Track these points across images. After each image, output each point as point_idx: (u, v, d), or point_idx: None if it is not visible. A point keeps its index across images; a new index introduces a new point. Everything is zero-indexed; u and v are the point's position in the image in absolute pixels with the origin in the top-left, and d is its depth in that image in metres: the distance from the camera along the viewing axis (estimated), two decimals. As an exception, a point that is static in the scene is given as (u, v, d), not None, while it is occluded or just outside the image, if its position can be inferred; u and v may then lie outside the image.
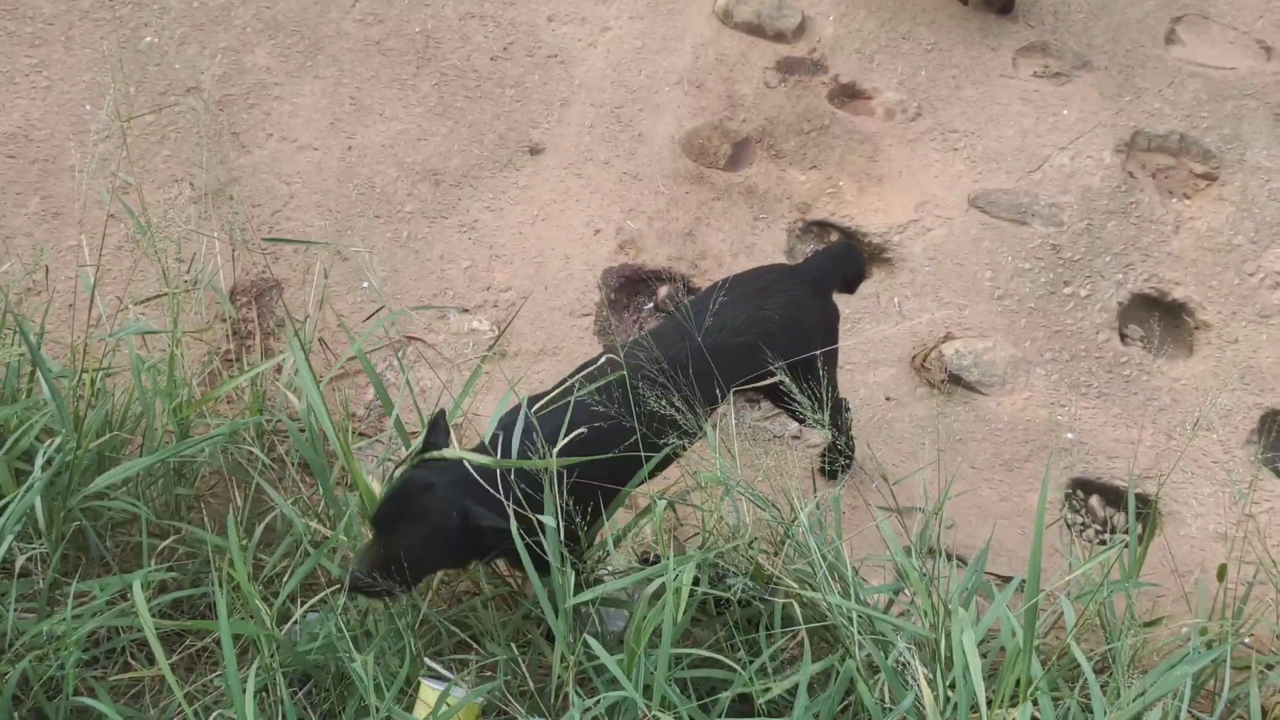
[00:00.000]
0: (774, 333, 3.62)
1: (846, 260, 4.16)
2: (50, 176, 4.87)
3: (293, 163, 5.03)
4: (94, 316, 4.13)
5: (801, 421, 3.52)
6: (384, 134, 5.12)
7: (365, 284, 4.64)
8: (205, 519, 3.74)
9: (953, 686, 2.91)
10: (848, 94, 5.38)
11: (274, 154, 5.05)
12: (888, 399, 4.49)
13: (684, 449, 3.46)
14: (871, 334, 4.66)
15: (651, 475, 3.43)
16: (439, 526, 3.15)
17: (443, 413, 3.38)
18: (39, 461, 3.40)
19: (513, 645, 3.36)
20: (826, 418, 3.40)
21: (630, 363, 3.44)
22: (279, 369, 4.14)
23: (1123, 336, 4.74)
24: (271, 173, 4.99)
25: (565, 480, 3.22)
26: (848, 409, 4.19)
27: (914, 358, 4.62)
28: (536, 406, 3.41)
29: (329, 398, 4.32)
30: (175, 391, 3.86)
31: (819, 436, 4.34)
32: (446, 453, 3.28)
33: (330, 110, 5.19)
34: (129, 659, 3.51)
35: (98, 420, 3.73)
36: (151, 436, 3.79)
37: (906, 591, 3.27)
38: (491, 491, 3.19)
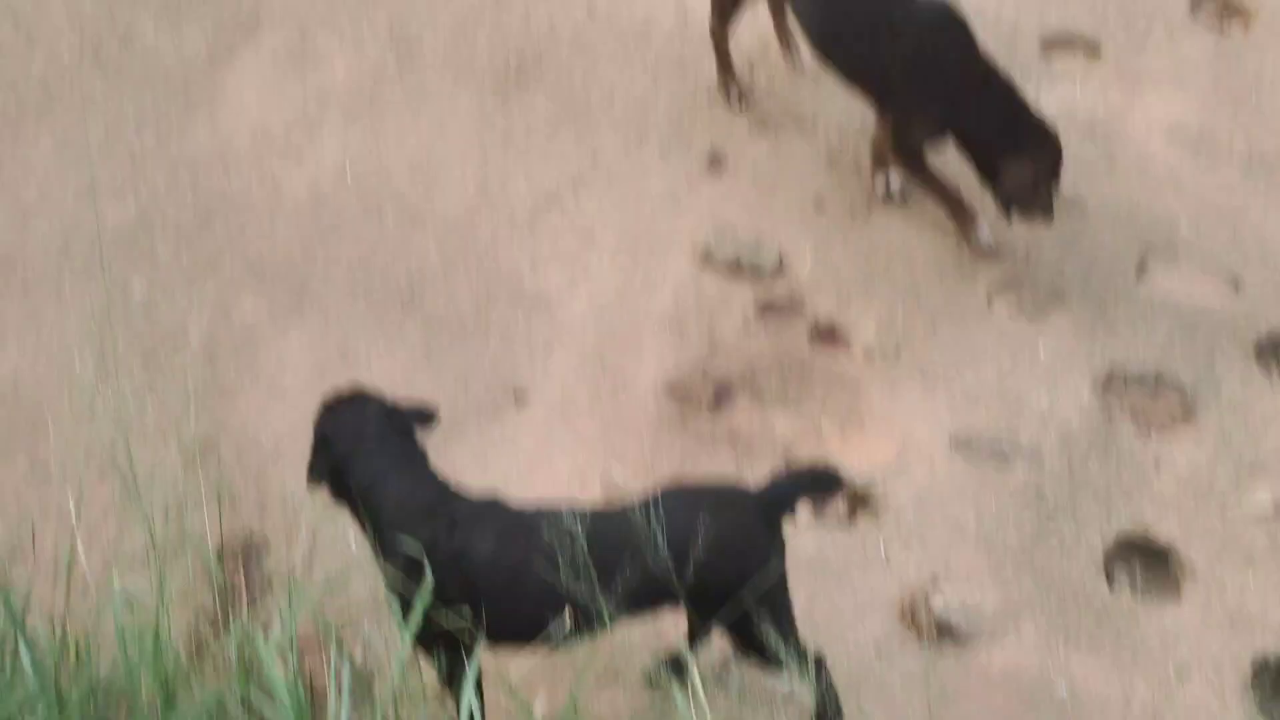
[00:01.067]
0: (708, 549, 3.66)
1: (816, 485, 4.22)
2: (39, 433, 4.90)
3: (280, 413, 5.07)
4: (79, 576, 4.14)
5: (765, 665, 3.53)
6: (371, 383, 5.15)
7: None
8: (194, 794, 3.70)
9: None
10: (827, 335, 5.46)
11: (261, 405, 5.10)
12: (876, 652, 4.49)
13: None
14: (858, 582, 4.67)
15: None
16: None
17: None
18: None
19: None
20: (795, 666, 3.40)
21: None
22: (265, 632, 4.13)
23: (1110, 579, 4.77)
24: (259, 424, 5.03)
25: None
26: (822, 663, 4.15)
27: (901, 606, 4.63)
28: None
29: (312, 658, 4.30)
30: (161, 659, 3.85)
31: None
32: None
33: (317, 359, 5.25)
34: None
35: (81, 692, 3.72)
36: (138, 710, 3.77)
37: None
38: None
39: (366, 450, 3.98)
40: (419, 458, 4.08)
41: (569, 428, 5.08)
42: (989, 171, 5.39)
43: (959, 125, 5.38)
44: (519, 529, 3.90)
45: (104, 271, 5.44)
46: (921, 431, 5.13)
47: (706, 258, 5.63)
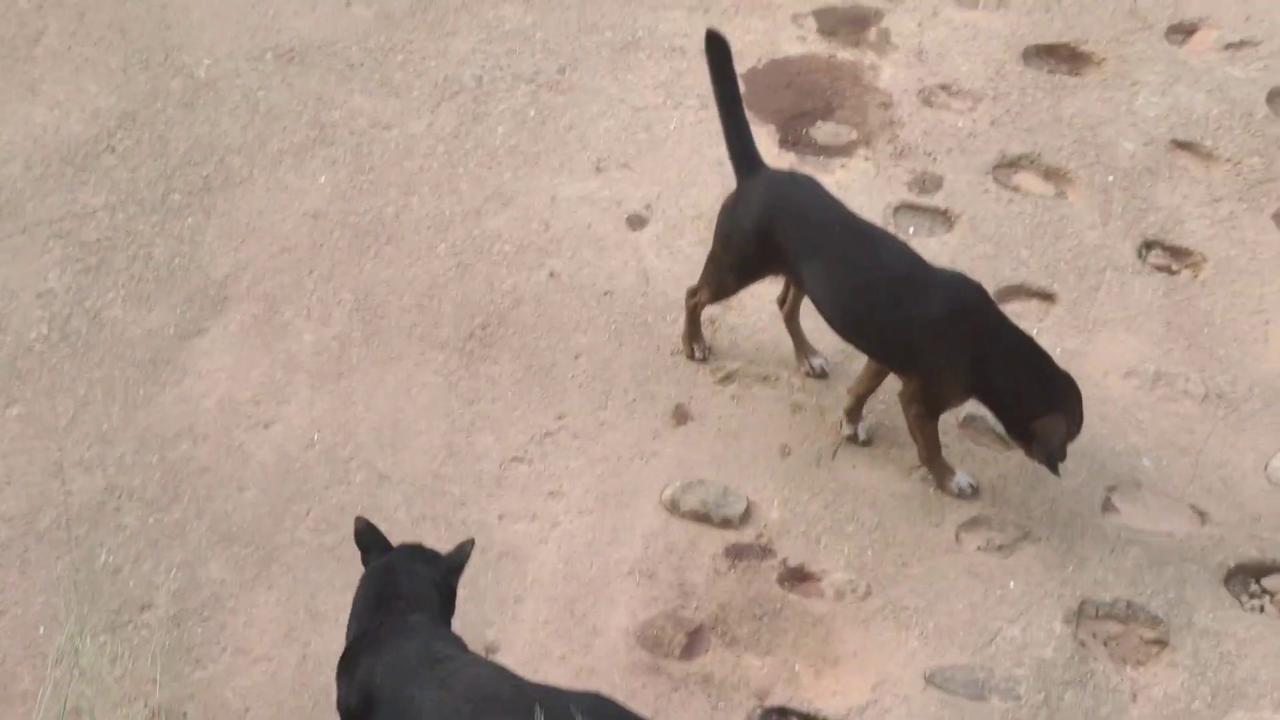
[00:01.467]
0: None
1: None
2: (1, 704, 4.83)
3: (248, 675, 5.03)
4: None
5: None
6: (338, 641, 5.08)
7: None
8: None
9: None
10: (797, 576, 5.46)
11: (229, 667, 5.05)
12: None
13: None
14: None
15: None
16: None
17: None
18: None
19: None
20: None
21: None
22: None
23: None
24: (226, 687, 4.98)
25: None
26: None
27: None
28: None
29: None
30: None
31: None
32: None
33: (285, 620, 5.22)
34: None
35: None
36: None
37: None
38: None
39: (404, 560, 4.44)
40: (428, 577, 4.40)
41: (540, 677, 5.01)
42: (1020, 427, 5.48)
43: (991, 385, 5.48)
44: (437, 664, 3.99)
45: (70, 541, 5.43)
46: (896, 668, 5.11)
47: (674, 507, 5.66)
